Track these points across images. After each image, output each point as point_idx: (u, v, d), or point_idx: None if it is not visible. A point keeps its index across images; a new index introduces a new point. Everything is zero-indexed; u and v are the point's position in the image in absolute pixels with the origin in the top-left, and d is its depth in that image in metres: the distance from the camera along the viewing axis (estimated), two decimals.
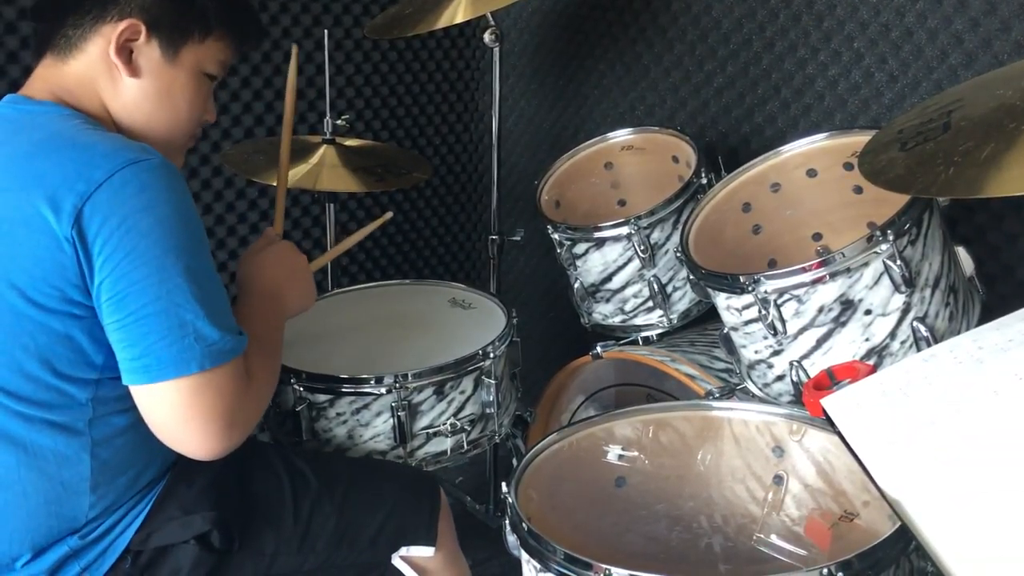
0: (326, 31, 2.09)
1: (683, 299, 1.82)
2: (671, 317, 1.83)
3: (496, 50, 2.02)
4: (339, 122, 2.04)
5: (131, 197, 1.11)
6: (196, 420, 1.15)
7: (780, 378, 1.45)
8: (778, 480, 1.40)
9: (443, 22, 1.85)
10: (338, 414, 1.54)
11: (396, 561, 1.40)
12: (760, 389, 1.51)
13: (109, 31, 1.24)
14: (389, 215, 1.69)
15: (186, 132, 1.34)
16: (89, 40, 1.24)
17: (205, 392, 1.15)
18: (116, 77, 1.25)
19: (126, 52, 1.25)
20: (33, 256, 1.11)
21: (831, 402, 1.12)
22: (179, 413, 1.15)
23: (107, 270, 1.11)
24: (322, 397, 1.54)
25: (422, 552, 1.41)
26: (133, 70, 1.26)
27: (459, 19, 1.83)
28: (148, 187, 1.12)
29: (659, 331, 1.85)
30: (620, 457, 1.44)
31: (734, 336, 1.51)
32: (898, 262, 1.30)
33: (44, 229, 1.10)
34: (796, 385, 1.41)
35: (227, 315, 1.20)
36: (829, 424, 1.11)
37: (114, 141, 1.18)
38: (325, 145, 2.02)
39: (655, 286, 1.79)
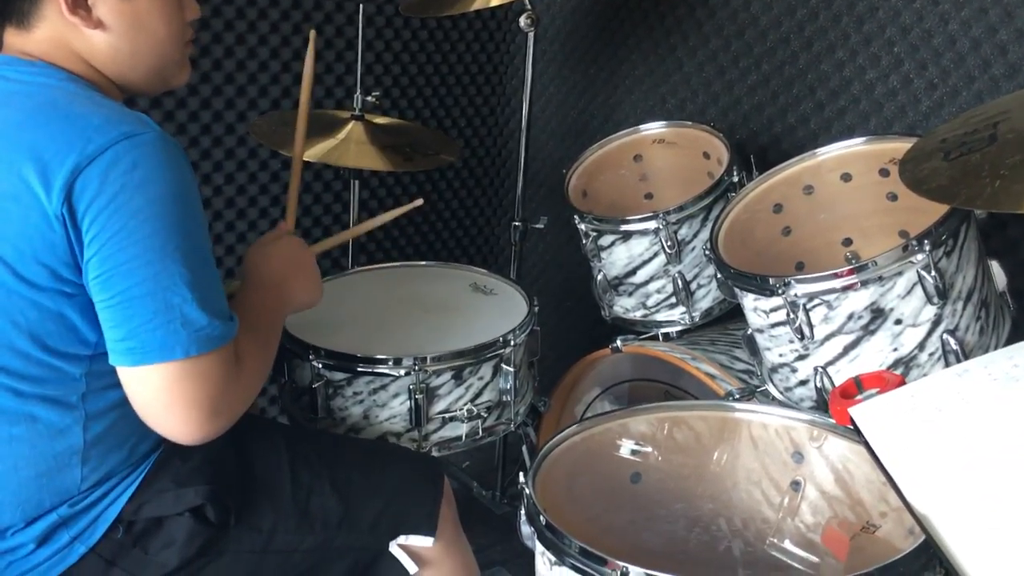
0: (360, 5, 2.07)
1: (706, 297, 1.81)
2: (693, 315, 1.82)
3: (531, 34, 2.00)
4: (370, 99, 2.02)
5: (123, 174, 1.07)
6: (179, 405, 1.13)
7: (803, 383, 1.44)
8: (795, 485, 1.39)
9: (479, 3, 1.83)
10: (355, 393, 1.54)
11: (394, 549, 1.36)
12: (781, 393, 1.50)
13: None
14: (419, 202, 1.67)
15: (176, 48, 1.27)
16: (41, 4, 1.16)
17: (190, 378, 1.12)
18: (84, 34, 1.18)
19: (81, 5, 1.16)
20: (23, 233, 1.07)
21: (859, 411, 1.10)
22: (162, 397, 1.12)
23: (95, 248, 1.07)
24: (340, 375, 1.53)
25: (421, 541, 1.37)
26: (95, 22, 1.18)
27: (496, 2, 1.81)
28: (141, 163, 1.08)
29: (680, 328, 1.84)
30: (633, 452, 1.43)
31: (758, 338, 1.49)
32: (933, 273, 1.28)
33: (34, 206, 1.06)
34: (819, 391, 1.40)
35: (218, 300, 1.16)
36: (856, 434, 1.10)
37: (109, 111, 1.13)
38: (354, 121, 2.00)
39: (679, 282, 1.78)
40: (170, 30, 1.24)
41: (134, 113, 1.15)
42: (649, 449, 1.43)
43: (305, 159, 1.89)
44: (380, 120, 2.07)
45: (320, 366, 1.52)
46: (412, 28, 2.58)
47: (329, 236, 2.29)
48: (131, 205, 1.07)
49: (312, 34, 1.60)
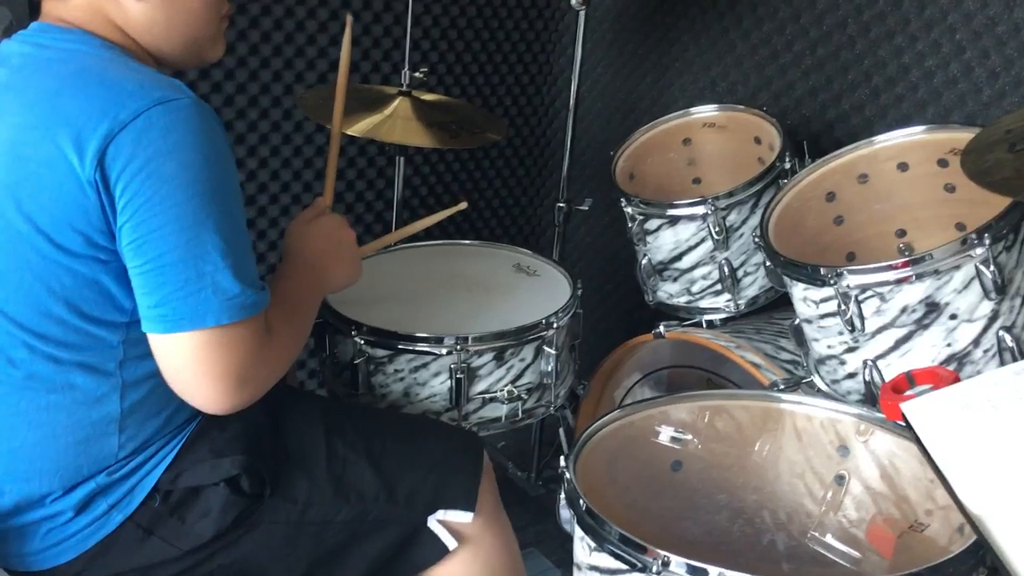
0: None
1: (752, 285, 1.78)
2: (738, 302, 1.79)
3: (582, 13, 1.98)
4: (417, 75, 2.01)
5: (156, 139, 1.06)
6: (208, 374, 1.12)
7: (851, 376, 1.41)
8: (839, 479, 1.37)
9: None
10: (396, 371, 1.53)
11: (432, 524, 1.34)
12: (828, 385, 1.47)
13: None
14: (463, 205, 1.66)
15: (211, 22, 1.26)
16: None
17: (220, 346, 1.11)
18: (121, 3, 1.18)
19: None
20: (58, 200, 1.07)
21: (912, 407, 1.08)
22: (191, 366, 1.12)
23: (128, 214, 1.07)
24: (382, 352, 1.53)
25: (460, 517, 1.35)
26: None
27: None
28: (174, 129, 1.07)
29: (724, 315, 1.81)
30: (673, 440, 1.41)
31: (807, 328, 1.46)
32: (991, 268, 1.24)
33: (68, 172, 1.06)
34: (868, 385, 1.37)
35: (250, 268, 1.15)
36: (907, 430, 1.07)
37: (143, 77, 1.12)
38: (400, 97, 1.99)
39: (726, 269, 1.75)
40: (206, 7, 1.23)
41: (168, 79, 1.14)
42: (689, 437, 1.41)
43: (351, 134, 1.89)
44: (427, 96, 2.06)
45: (362, 342, 1.52)
46: (461, 4, 2.56)
47: (372, 211, 2.30)
48: (164, 171, 1.06)
49: (348, 18, 1.57)
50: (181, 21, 1.22)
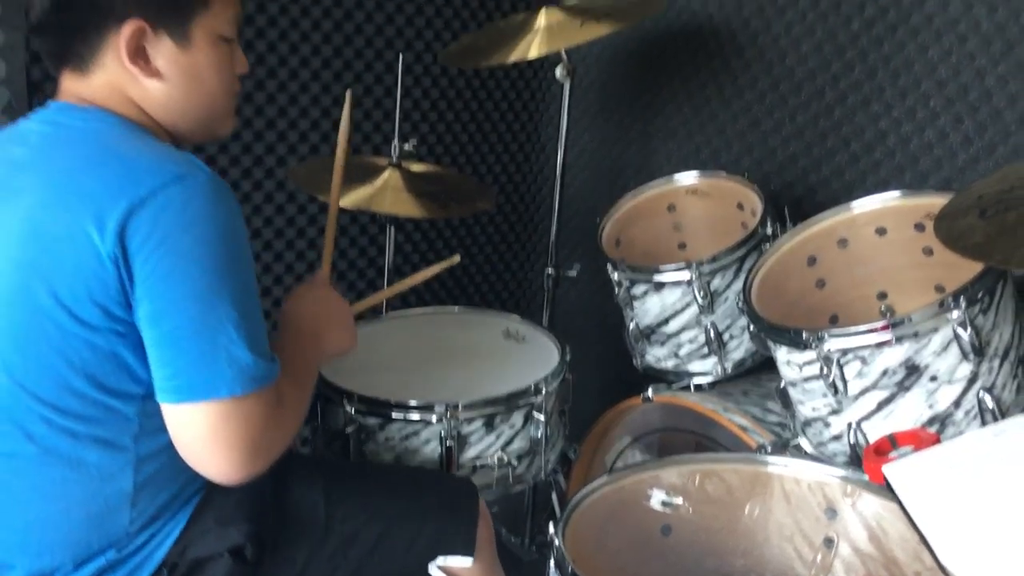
0: (399, 54, 2.12)
1: (739, 348, 1.80)
2: (725, 365, 1.81)
3: (566, 85, 2.03)
4: (407, 147, 2.05)
5: (174, 215, 1.09)
6: (221, 445, 1.13)
7: (836, 438, 1.42)
8: (828, 543, 1.37)
9: (516, 55, 1.86)
10: (387, 439, 1.55)
11: (433, 570, 1.38)
12: (814, 447, 1.48)
13: (116, 40, 1.18)
14: (456, 259, 1.69)
15: (225, 100, 1.31)
16: (101, 52, 1.20)
17: (233, 418, 1.13)
18: (141, 82, 1.21)
19: (141, 55, 1.20)
20: (78, 274, 1.09)
21: (893, 470, 1.10)
22: (205, 436, 1.13)
23: (146, 288, 1.09)
24: (372, 420, 1.54)
25: (460, 562, 1.39)
26: (153, 71, 1.21)
27: (533, 54, 1.84)
28: (191, 204, 1.10)
29: (712, 379, 1.83)
30: (664, 504, 1.42)
31: (791, 391, 1.48)
32: (968, 330, 1.27)
33: (88, 247, 1.08)
34: (853, 447, 1.39)
35: (263, 340, 1.18)
36: (890, 492, 1.09)
37: (159, 154, 1.16)
38: (391, 168, 2.03)
39: (712, 333, 1.77)
40: (222, 83, 1.28)
41: (184, 154, 1.18)
42: (680, 501, 1.42)
43: (342, 206, 1.93)
44: (417, 167, 2.10)
45: (353, 411, 1.54)
46: (450, 76, 2.63)
47: (364, 278, 2.32)
48: (181, 246, 1.09)
49: (348, 94, 1.62)
50: (198, 99, 1.26)
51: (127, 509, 1.19)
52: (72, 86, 1.23)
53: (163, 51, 1.21)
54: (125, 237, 1.08)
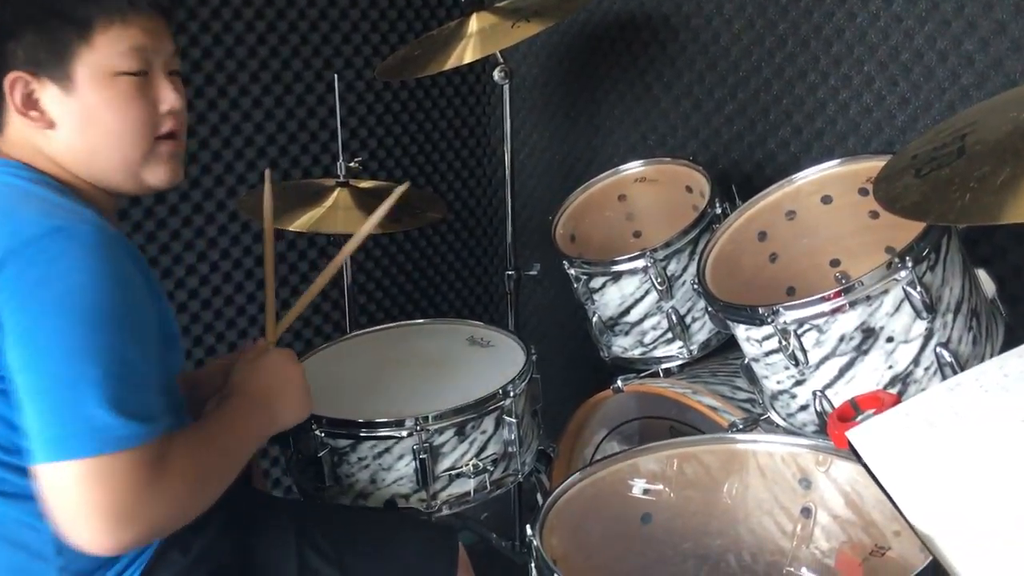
0: (335, 74, 2.11)
1: (702, 330, 1.81)
2: (691, 348, 1.82)
3: (506, 87, 2.03)
4: (352, 164, 2.05)
5: (44, 268, 1.05)
6: (84, 509, 1.04)
7: (804, 408, 1.43)
8: (806, 512, 1.38)
9: (452, 62, 1.86)
10: (360, 459, 1.54)
11: None
12: (784, 419, 1.50)
13: (6, 95, 1.16)
14: (406, 184, 1.62)
15: (138, 143, 1.21)
16: (3, 108, 1.18)
17: (95, 479, 1.03)
18: (45, 134, 1.19)
19: (34, 106, 1.17)
20: None
21: (856, 434, 1.10)
22: (66, 499, 1.04)
23: (12, 339, 1.05)
24: (343, 442, 1.53)
25: None
26: (48, 121, 1.18)
27: (468, 59, 1.84)
28: (64, 256, 1.06)
29: (679, 362, 1.84)
30: (645, 491, 1.42)
31: (755, 367, 1.49)
32: (918, 288, 1.28)
33: None
34: (820, 415, 1.40)
35: (136, 398, 1.08)
36: (855, 457, 1.10)
37: (44, 207, 1.12)
38: (339, 188, 2.03)
39: (673, 318, 1.78)
40: (125, 121, 1.20)
41: (77, 209, 1.14)
42: (661, 487, 1.43)
43: (294, 229, 1.93)
44: (365, 184, 2.10)
45: (323, 434, 1.53)
46: (393, 90, 2.62)
47: (328, 299, 2.31)
48: (47, 296, 1.05)
49: (267, 173, 1.61)
50: (102, 144, 1.20)
51: (52, 558, 1.13)
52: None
53: (52, 98, 1.17)
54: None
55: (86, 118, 1.19)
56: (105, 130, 1.20)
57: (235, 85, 2.34)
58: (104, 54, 1.17)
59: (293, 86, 2.43)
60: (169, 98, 1.24)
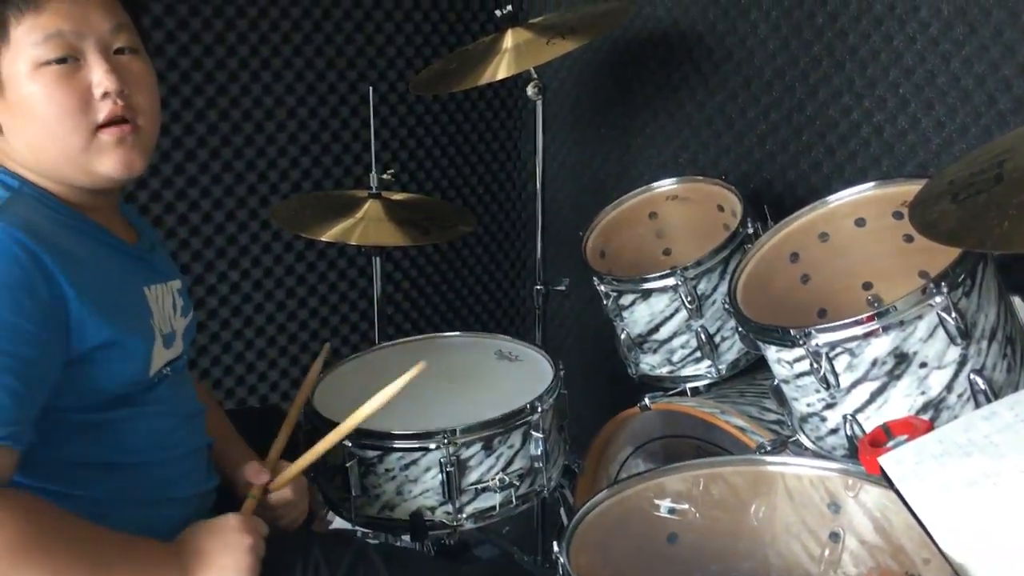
0: (371, 87, 2.13)
1: (731, 349, 1.81)
2: (719, 367, 1.81)
3: (539, 102, 2.04)
4: (385, 176, 2.07)
5: None
6: None
7: (834, 431, 1.43)
8: (834, 537, 1.37)
9: (486, 78, 1.87)
10: (387, 470, 1.55)
11: None
12: (813, 442, 1.49)
13: None
14: (422, 366, 1.36)
15: (78, 134, 1.16)
16: None
17: None
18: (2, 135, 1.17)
19: None
20: None
21: (889, 460, 1.10)
22: None
23: None
24: (371, 453, 1.54)
25: None
26: None
27: (502, 75, 1.86)
28: None
29: (707, 382, 1.84)
30: (671, 511, 1.42)
31: (785, 388, 1.49)
32: (953, 314, 1.27)
33: None
34: (850, 439, 1.39)
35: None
36: (887, 483, 1.09)
37: None
38: (371, 199, 2.04)
39: (703, 336, 1.78)
40: (59, 107, 1.14)
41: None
42: (686, 506, 1.42)
43: (325, 239, 1.94)
44: (397, 196, 2.11)
45: (351, 444, 1.53)
46: (425, 103, 2.64)
47: (356, 309, 2.32)
48: None
49: (326, 347, 1.68)
50: (39, 139, 1.16)
51: None
52: None
53: None
54: None
55: (20, 115, 1.15)
56: (39, 125, 1.15)
57: (271, 96, 2.36)
58: (21, 47, 1.13)
59: (328, 97, 2.45)
60: (101, 82, 1.15)
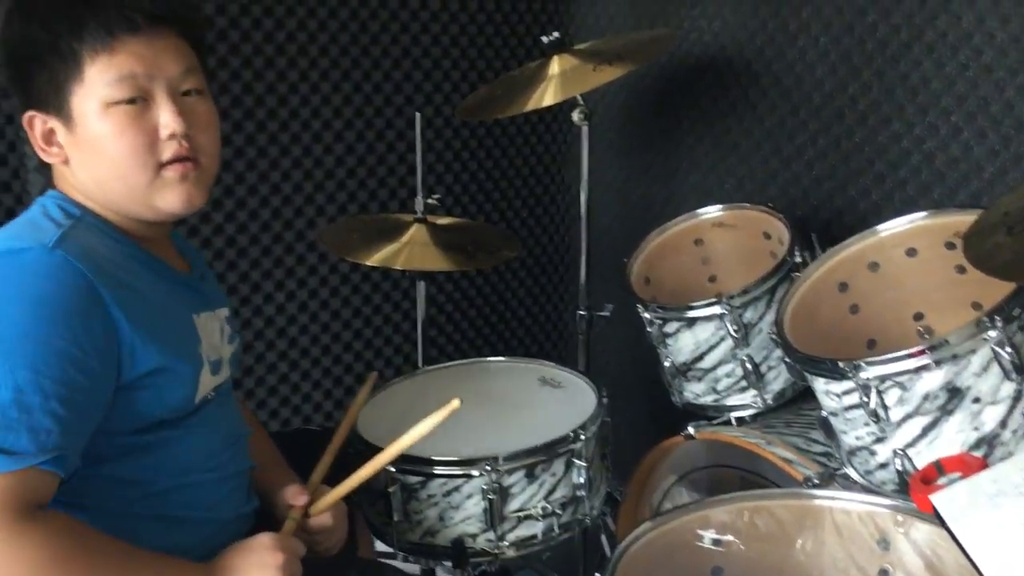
0: (417, 112, 2.15)
1: (778, 379, 1.78)
2: (765, 397, 1.79)
3: (584, 128, 2.04)
4: (430, 200, 2.08)
5: None
6: None
7: (883, 466, 1.40)
8: (884, 574, 1.34)
9: (532, 104, 1.88)
10: (429, 496, 1.55)
11: None
12: (862, 476, 1.46)
13: (28, 133, 1.21)
14: (456, 404, 1.36)
15: (139, 167, 1.19)
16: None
17: None
18: (69, 168, 1.22)
19: (54, 143, 1.21)
20: None
21: (941, 499, 1.07)
22: None
23: None
24: (414, 478, 1.54)
25: None
26: (63, 156, 1.21)
27: (548, 102, 1.86)
28: (7, 278, 1.09)
29: (753, 411, 1.81)
30: (716, 543, 1.40)
31: (833, 421, 1.46)
32: (1008, 348, 1.24)
33: None
34: (901, 475, 1.36)
35: (28, 429, 1.03)
36: (940, 522, 1.07)
37: (23, 230, 1.15)
38: (416, 224, 2.06)
39: (748, 366, 1.76)
40: (125, 148, 1.18)
41: (47, 229, 1.15)
42: (731, 538, 1.40)
43: (370, 263, 1.95)
44: (442, 221, 2.12)
45: (394, 470, 1.54)
46: (470, 128, 2.66)
47: (399, 332, 2.32)
48: None
49: (374, 375, 1.69)
50: (106, 175, 1.20)
51: None
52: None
53: (61, 134, 1.20)
54: None
55: (90, 147, 1.19)
56: (107, 162, 1.19)
57: (319, 119, 2.40)
58: (94, 86, 1.17)
59: (375, 121, 2.48)
60: (169, 123, 1.20)
